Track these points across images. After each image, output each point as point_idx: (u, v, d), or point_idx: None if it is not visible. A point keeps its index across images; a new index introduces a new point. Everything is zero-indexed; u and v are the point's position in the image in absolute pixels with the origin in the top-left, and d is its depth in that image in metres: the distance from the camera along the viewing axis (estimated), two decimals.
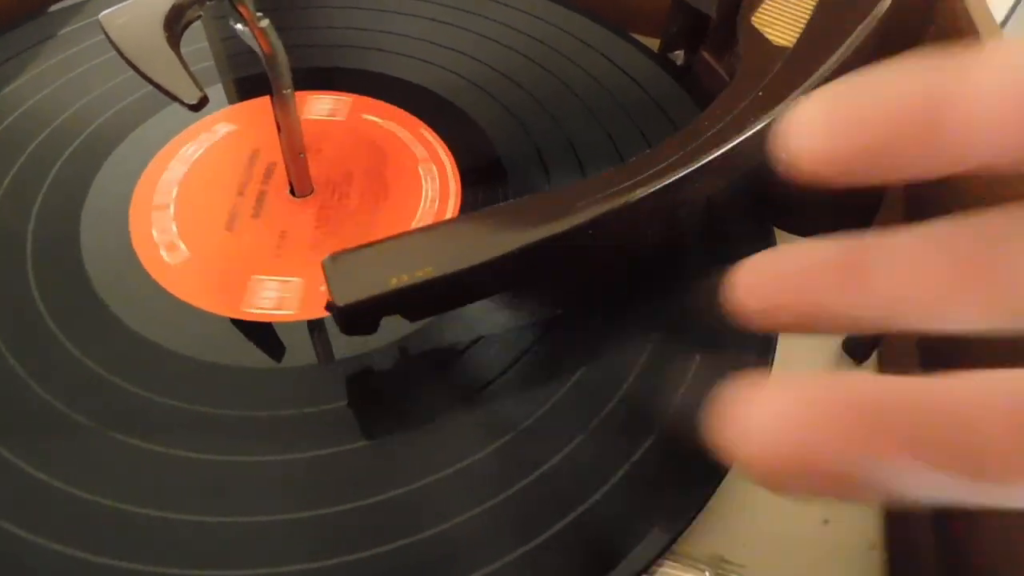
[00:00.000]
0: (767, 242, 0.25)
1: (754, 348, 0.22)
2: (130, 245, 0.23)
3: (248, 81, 0.29)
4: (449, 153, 0.26)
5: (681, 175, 0.20)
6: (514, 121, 0.28)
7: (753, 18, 0.25)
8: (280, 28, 0.20)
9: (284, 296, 0.22)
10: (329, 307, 0.18)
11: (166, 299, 0.22)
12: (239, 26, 0.20)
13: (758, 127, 0.21)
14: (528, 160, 0.27)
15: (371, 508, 0.18)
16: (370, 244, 0.19)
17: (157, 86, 0.19)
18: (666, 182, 0.20)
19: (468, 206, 0.25)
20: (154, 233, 0.23)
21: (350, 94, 0.28)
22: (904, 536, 0.20)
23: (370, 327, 0.19)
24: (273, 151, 0.24)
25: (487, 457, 0.19)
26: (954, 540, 0.20)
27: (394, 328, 0.21)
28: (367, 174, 0.25)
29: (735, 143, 0.21)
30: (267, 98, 0.22)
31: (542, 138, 0.27)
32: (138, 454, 0.18)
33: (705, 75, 0.28)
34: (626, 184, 0.20)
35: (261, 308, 0.22)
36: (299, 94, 0.22)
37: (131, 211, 0.24)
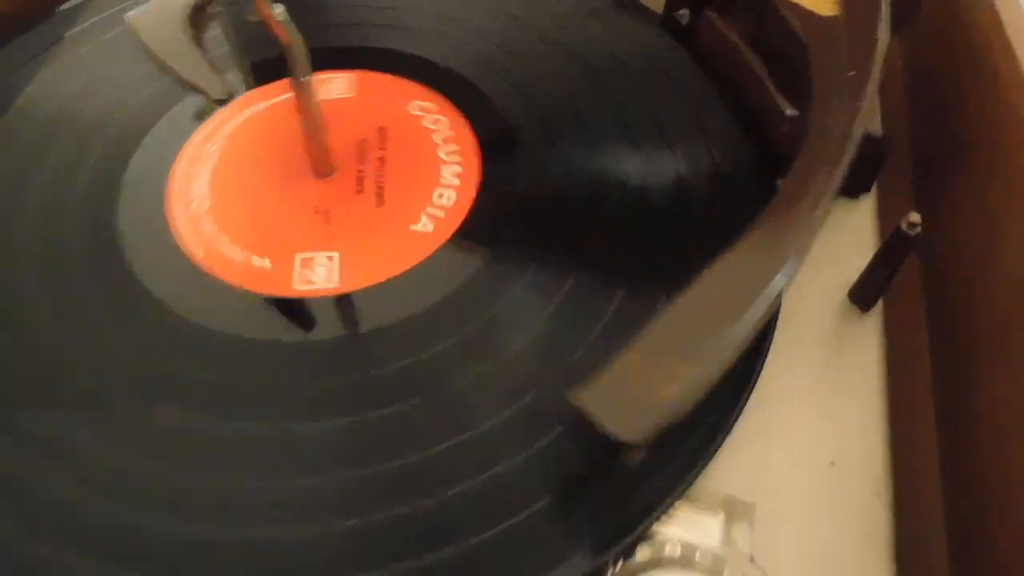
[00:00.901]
0: (768, 188, 0.26)
1: None
2: (168, 229, 0.24)
3: (272, 63, 0.29)
4: (462, 120, 0.27)
5: (838, 172, 0.21)
6: (518, 88, 0.29)
7: None
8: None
9: (319, 272, 0.23)
10: (609, 439, 0.17)
11: (205, 280, 0.23)
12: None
13: (866, 103, 0.22)
14: (536, 124, 0.27)
15: (417, 464, 0.19)
16: (612, 363, 0.17)
17: (186, 83, 0.20)
18: (833, 184, 0.20)
19: (488, 168, 0.26)
20: (190, 215, 0.25)
21: (354, 71, 0.29)
22: (909, 476, 0.21)
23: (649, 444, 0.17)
24: (297, 132, 0.25)
25: (513, 415, 0.20)
26: (961, 489, 0.21)
27: (415, 302, 0.22)
28: (385, 149, 0.26)
29: (858, 123, 0.21)
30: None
31: (547, 102, 0.28)
32: (188, 428, 0.20)
33: (709, 35, 0.29)
34: (808, 199, 0.20)
35: (299, 284, 0.23)
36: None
37: (168, 195, 0.25)
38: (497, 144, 0.27)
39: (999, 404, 0.20)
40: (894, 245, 0.21)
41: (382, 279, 0.23)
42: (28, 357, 0.21)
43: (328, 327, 0.22)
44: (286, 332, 0.22)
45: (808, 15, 0.24)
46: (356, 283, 0.23)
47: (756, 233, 0.19)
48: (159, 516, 0.18)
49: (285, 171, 0.26)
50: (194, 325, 0.22)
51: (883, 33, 0.24)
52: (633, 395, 0.17)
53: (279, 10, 0.20)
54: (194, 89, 0.20)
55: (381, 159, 0.26)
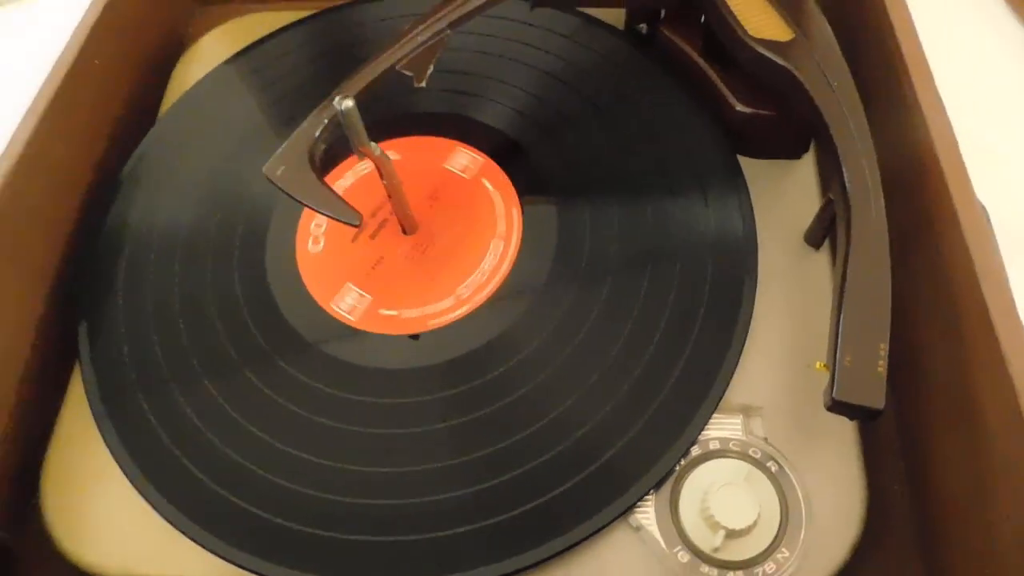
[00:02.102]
0: (730, 162, 0.34)
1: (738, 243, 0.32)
2: (304, 286, 0.33)
3: (384, 123, 0.37)
4: (482, 155, 0.36)
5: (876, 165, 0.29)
6: (518, 114, 0.37)
7: (751, 34, 0.31)
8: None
9: (433, 311, 0.32)
10: (867, 414, 0.25)
11: (332, 322, 0.32)
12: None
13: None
14: (539, 139, 0.36)
15: (497, 452, 0.29)
16: (839, 367, 0.25)
17: (324, 214, 0.28)
18: (879, 181, 0.28)
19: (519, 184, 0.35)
20: (318, 269, 0.34)
21: (398, 138, 0.37)
22: None
23: None
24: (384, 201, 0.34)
25: (593, 383, 0.30)
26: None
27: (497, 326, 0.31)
28: (446, 201, 0.35)
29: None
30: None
31: (541, 117, 0.36)
32: (339, 433, 0.30)
33: (665, 45, 0.37)
34: (871, 196, 0.28)
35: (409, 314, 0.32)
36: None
37: (296, 239, 0.34)
38: (508, 158, 0.35)
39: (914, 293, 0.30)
40: (826, 208, 0.30)
41: (470, 312, 0.32)
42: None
43: (438, 354, 0.31)
44: (413, 359, 0.31)
45: (777, 45, 0.31)
46: (455, 317, 0.32)
47: (855, 242, 0.27)
48: (310, 486, 0.29)
49: (382, 232, 0.34)
50: (344, 363, 0.31)
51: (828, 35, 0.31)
52: (868, 377, 0.25)
53: (374, 145, 0.28)
54: (331, 218, 0.28)
55: (446, 212, 0.34)
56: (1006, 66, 0.44)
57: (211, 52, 0.42)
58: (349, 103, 0.26)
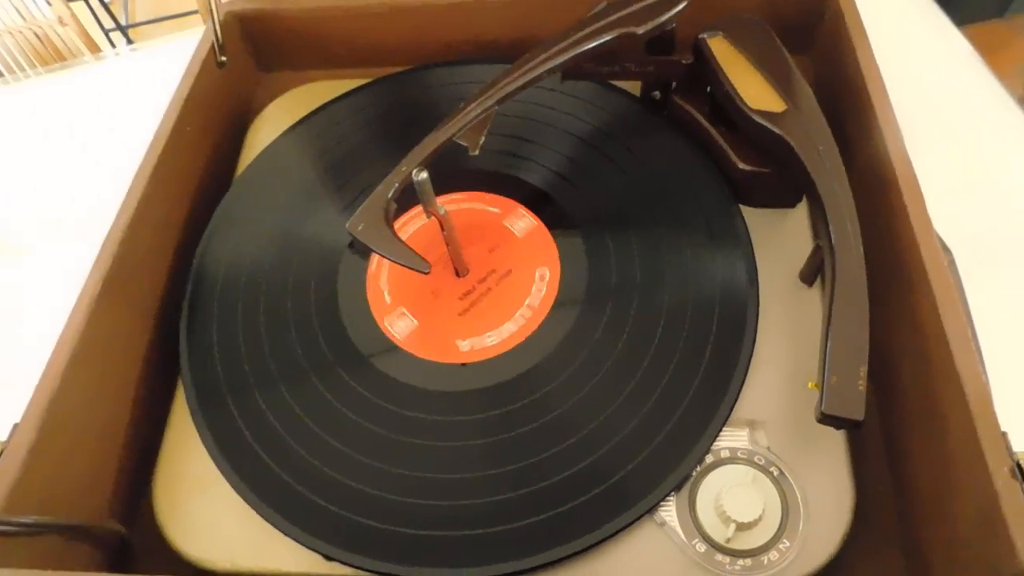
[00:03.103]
0: (734, 211, 0.40)
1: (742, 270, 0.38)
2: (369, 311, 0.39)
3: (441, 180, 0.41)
4: (526, 209, 0.42)
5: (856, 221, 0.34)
6: (548, 170, 0.43)
7: (750, 105, 0.37)
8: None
9: (476, 341, 0.38)
10: (851, 424, 0.30)
11: (395, 349, 0.38)
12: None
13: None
14: (568, 193, 0.42)
15: (543, 459, 0.34)
16: (828, 385, 0.30)
17: (398, 263, 0.34)
18: (858, 230, 0.34)
19: (556, 236, 0.40)
20: (384, 303, 0.39)
21: (460, 192, 0.43)
22: None
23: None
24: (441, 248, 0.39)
25: (609, 419, 0.35)
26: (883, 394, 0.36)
27: (533, 357, 0.37)
28: (497, 249, 0.40)
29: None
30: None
31: (569, 173, 0.42)
32: (397, 444, 0.35)
33: (676, 111, 0.43)
34: (851, 244, 0.34)
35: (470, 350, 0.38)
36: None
37: (367, 283, 0.40)
38: (540, 206, 0.41)
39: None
40: (816, 252, 0.36)
41: (515, 344, 0.37)
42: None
43: (487, 378, 0.37)
44: (462, 383, 0.37)
45: (772, 115, 0.37)
46: (501, 348, 0.37)
47: (839, 282, 0.33)
48: (367, 484, 0.34)
49: (439, 274, 0.40)
50: (410, 387, 0.37)
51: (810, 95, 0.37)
52: (851, 393, 0.30)
53: (439, 206, 0.34)
54: (403, 266, 0.34)
55: (493, 258, 0.40)
56: (967, 103, 0.50)
57: (277, 118, 0.49)
58: (424, 175, 0.31)
